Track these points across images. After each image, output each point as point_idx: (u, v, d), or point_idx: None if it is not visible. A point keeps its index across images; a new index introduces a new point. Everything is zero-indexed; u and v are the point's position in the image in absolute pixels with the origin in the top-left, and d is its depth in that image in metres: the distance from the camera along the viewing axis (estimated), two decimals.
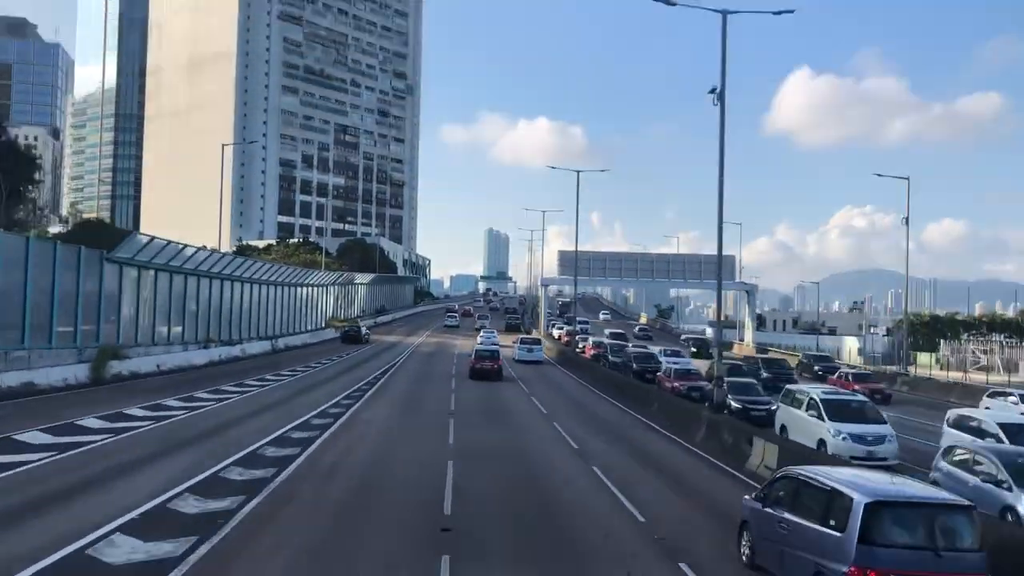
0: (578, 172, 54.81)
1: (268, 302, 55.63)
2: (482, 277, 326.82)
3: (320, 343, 62.88)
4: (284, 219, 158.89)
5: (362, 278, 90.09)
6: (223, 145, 69.30)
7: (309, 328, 66.16)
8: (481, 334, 61.60)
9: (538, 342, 58.87)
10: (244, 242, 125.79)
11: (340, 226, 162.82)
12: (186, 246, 37.84)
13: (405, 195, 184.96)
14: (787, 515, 10.24)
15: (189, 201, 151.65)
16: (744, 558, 11.20)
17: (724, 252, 27.78)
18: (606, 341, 55.61)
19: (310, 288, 66.68)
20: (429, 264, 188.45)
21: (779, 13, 25.18)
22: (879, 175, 52.84)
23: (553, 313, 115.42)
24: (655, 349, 49.04)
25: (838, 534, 9.10)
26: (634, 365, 42.42)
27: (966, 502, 9.49)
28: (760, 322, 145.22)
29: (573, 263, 68.07)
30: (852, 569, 8.68)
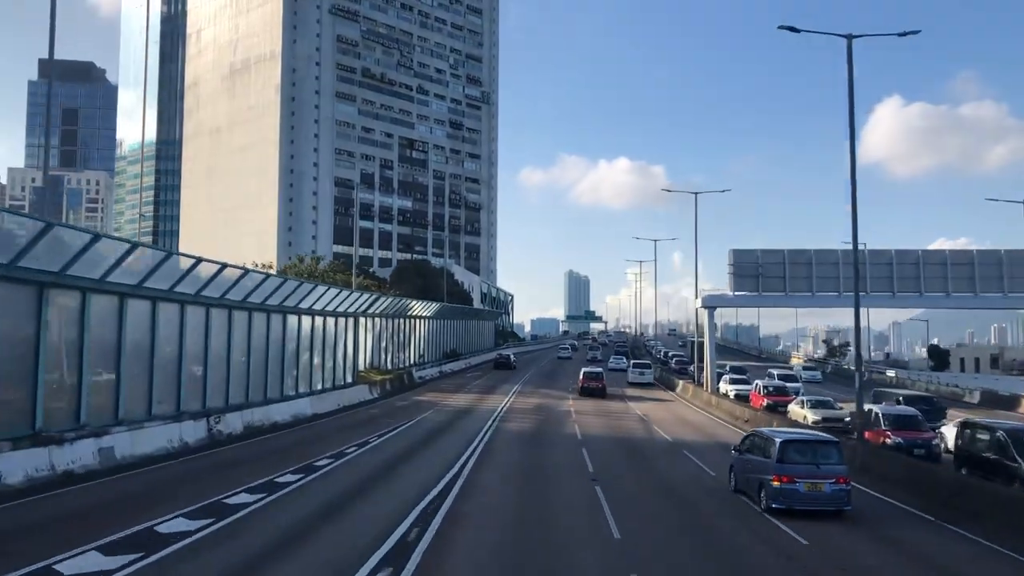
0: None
1: (212, 336, 27.29)
2: (568, 317, 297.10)
3: (334, 414, 34.33)
4: (340, 248, 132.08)
5: (422, 308, 61.52)
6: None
7: (317, 387, 37.50)
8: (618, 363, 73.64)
9: (648, 366, 63.95)
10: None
11: (407, 256, 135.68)
12: None
13: (483, 220, 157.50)
14: (749, 456, 18.77)
15: (228, 232, 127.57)
16: (732, 486, 19.52)
17: None
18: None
19: (322, 319, 38.21)
20: (512, 301, 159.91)
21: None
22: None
23: (679, 353, 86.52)
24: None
25: (769, 460, 17.34)
26: None
27: (834, 439, 18.62)
28: (939, 360, 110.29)
29: (753, 271, 38.81)
30: (774, 476, 16.90)
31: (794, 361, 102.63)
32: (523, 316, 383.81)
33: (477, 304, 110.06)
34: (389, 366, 53.60)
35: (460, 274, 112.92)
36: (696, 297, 52.42)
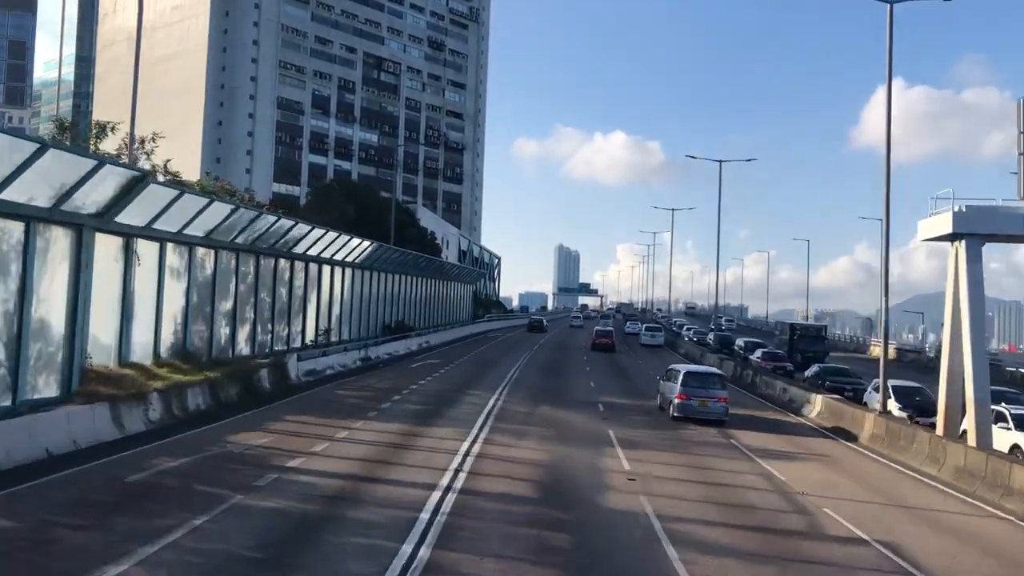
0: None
1: None
2: (560, 289, 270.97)
3: None
4: (283, 188, 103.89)
5: (331, 244, 33.96)
6: None
7: None
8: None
9: (660, 328, 70.09)
10: None
11: None
12: None
13: (466, 164, 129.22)
14: (665, 382, 26.57)
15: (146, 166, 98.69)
16: (657, 404, 26.89)
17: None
18: None
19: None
20: (499, 264, 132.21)
21: None
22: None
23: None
24: None
25: (676, 384, 24.58)
26: None
27: (719, 372, 28.78)
28: None
29: None
30: (678, 394, 24.22)
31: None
32: (511, 289, 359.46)
33: (453, 257, 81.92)
34: (238, 349, 26.24)
35: (429, 221, 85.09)
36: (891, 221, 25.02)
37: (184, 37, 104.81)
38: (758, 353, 46.58)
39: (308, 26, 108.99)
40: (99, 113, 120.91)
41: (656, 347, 59.74)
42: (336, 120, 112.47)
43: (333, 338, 36.42)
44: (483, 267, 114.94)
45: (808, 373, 37.11)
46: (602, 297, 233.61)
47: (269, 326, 29.45)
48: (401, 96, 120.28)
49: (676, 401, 24.26)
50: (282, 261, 30.15)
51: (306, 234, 30.14)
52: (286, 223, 28.50)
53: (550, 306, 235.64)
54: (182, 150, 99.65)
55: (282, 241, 28.63)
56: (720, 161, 50.86)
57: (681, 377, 24.84)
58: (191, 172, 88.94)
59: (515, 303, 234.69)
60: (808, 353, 46.88)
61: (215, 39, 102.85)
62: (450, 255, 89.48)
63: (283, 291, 30.80)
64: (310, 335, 33.60)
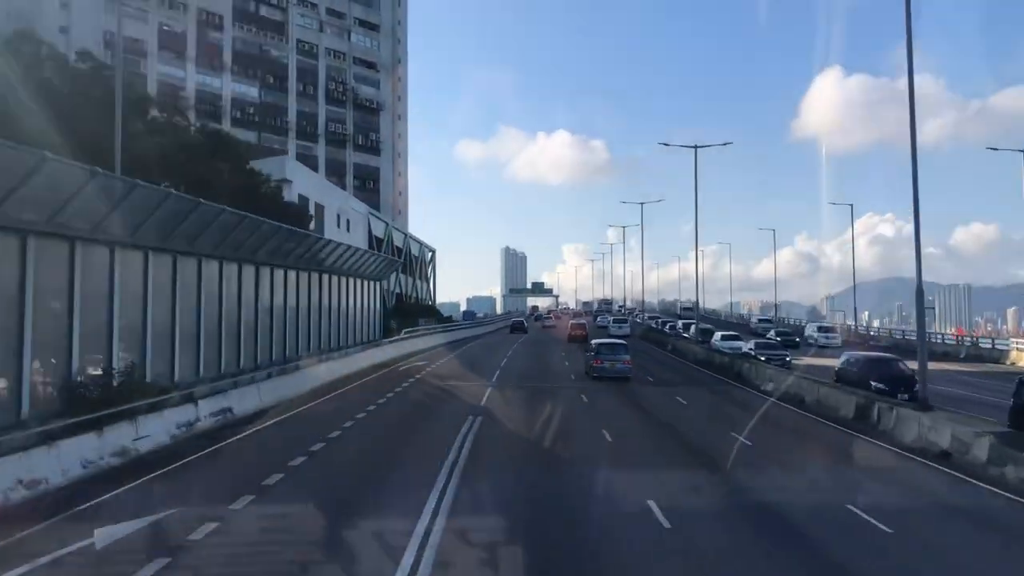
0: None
1: None
2: (511, 291, 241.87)
3: None
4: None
5: None
6: None
7: None
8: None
9: (626, 321, 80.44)
10: None
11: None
12: None
13: (383, 129, 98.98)
14: (587, 353, 37.63)
15: None
16: (584, 371, 35.97)
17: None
18: None
19: None
20: (433, 257, 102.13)
21: None
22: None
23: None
24: None
25: (592, 353, 35.65)
26: None
27: (624, 343, 38.80)
28: None
29: None
30: (594, 360, 34.58)
31: None
32: (458, 295, 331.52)
33: (361, 246, 49.97)
34: None
35: (305, 183, 54.86)
36: None
37: None
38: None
39: None
40: None
41: (623, 336, 64.02)
42: (196, 67, 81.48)
43: None
44: (410, 260, 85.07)
45: None
46: (556, 297, 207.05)
47: None
48: (290, 38, 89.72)
49: (594, 364, 34.49)
50: None
51: None
52: None
53: (499, 309, 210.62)
54: None
55: None
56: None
57: (595, 347, 36.17)
58: None
59: (463, 308, 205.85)
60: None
61: None
62: (354, 239, 59.69)
63: None
64: None
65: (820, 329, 61.69)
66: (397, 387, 30.40)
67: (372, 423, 21.96)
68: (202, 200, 24.31)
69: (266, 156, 61.32)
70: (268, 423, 21.74)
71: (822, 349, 52.06)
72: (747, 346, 42.92)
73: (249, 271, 29.12)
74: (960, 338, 63.64)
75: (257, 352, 29.49)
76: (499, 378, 34.82)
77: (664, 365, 43.27)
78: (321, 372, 30.66)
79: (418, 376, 35.07)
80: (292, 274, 33.61)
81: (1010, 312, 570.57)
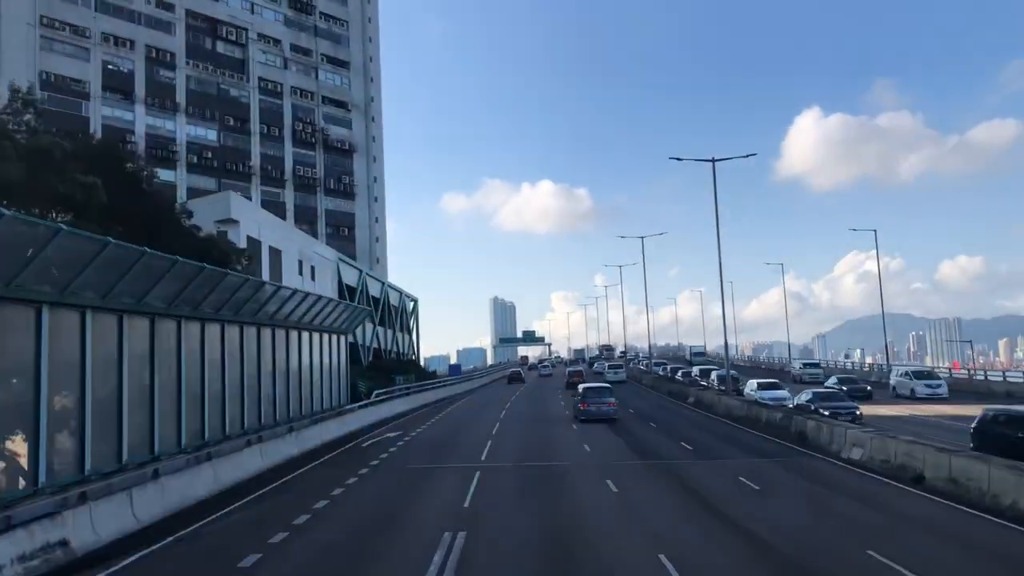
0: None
1: None
2: (501, 340, 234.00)
3: None
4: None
5: None
6: None
7: None
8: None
9: (622, 367, 78.80)
10: None
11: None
12: None
13: (357, 172, 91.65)
14: (574, 398, 41.17)
15: None
16: (572, 416, 38.95)
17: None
18: None
19: None
20: (416, 306, 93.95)
21: None
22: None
23: None
24: None
25: (579, 397, 38.26)
26: None
27: (608, 386, 40.87)
28: None
29: None
30: (580, 404, 37.43)
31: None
32: (448, 347, 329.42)
33: (329, 295, 41.93)
34: None
35: (251, 221, 46.86)
36: None
37: None
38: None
39: None
40: None
41: (620, 381, 67.43)
42: (148, 108, 74.20)
43: None
44: (388, 310, 76.82)
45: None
46: (548, 345, 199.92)
47: None
48: (251, 75, 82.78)
49: (580, 408, 37.14)
50: None
51: None
52: None
53: (489, 360, 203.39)
54: None
55: None
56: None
57: (582, 392, 38.80)
58: None
59: (453, 360, 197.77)
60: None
61: None
62: (320, 287, 51.63)
63: None
64: None
65: (916, 375, 47.33)
66: (351, 477, 22.14)
67: (296, 554, 13.67)
68: (103, 240, 16.32)
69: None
70: (120, 565, 13.43)
71: (920, 402, 42.87)
72: (802, 398, 35.07)
73: (141, 323, 20.95)
74: (973, 371, 56.39)
75: (155, 438, 21.14)
76: (490, 453, 26.63)
77: (697, 425, 34.94)
78: (246, 461, 22.39)
79: (383, 456, 26.78)
80: (213, 328, 25.45)
81: (1001, 343, 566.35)
